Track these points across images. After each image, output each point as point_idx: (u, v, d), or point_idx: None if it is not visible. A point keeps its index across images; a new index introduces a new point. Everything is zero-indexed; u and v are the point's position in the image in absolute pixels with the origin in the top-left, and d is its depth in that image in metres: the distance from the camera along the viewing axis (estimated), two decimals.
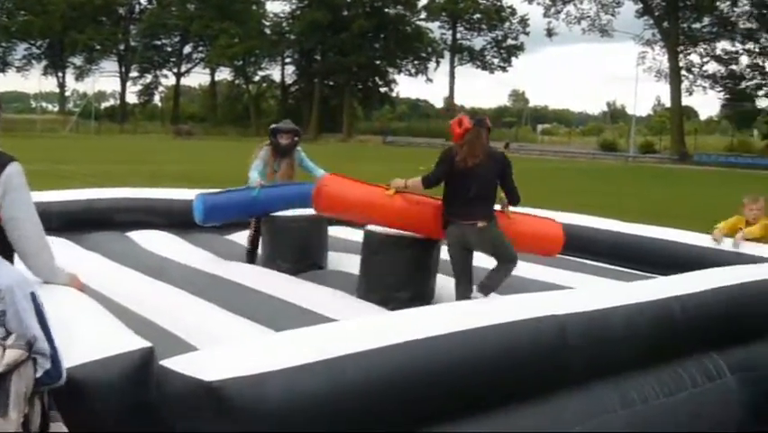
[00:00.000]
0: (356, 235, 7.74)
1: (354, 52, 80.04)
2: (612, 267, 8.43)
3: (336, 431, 3.39)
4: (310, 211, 8.10)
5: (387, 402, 3.55)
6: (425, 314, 4.25)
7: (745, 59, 65.40)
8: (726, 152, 65.03)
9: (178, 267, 7.90)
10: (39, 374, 3.05)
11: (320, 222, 8.16)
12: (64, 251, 8.00)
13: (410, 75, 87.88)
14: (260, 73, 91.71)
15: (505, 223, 6.70)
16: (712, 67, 66.94)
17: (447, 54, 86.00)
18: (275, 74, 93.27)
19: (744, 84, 65.59)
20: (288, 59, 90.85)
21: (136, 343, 3.60)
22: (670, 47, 64.71)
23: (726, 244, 7.50)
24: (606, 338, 4.50)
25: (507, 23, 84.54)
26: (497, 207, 6.72)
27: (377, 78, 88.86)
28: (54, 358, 3.13)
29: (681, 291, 5.08)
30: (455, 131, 6.62)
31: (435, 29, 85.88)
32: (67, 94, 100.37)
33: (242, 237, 9.35)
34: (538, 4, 74.08)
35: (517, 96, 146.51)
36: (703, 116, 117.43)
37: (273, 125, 8.78)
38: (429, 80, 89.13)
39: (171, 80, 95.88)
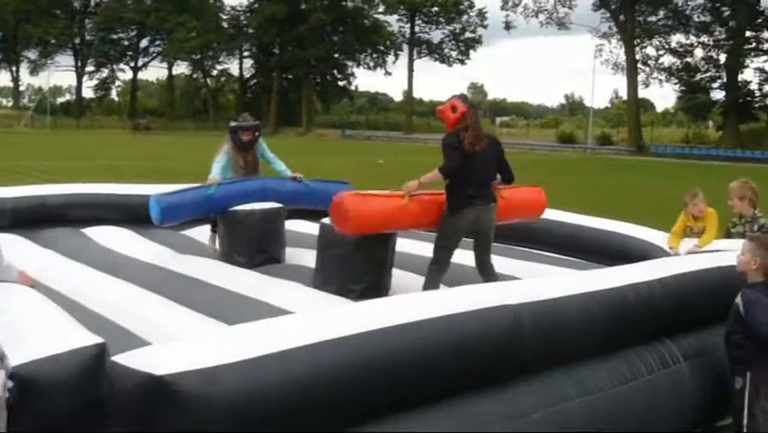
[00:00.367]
0: (313, 229, 7.72)
1: (313, 46, 79.74)
2: (567, 258, 8.48)
3: (289, 424, 3.39)
4: (267, 205, 8.10)
5: (340, 395, 3.55)
6: (380, 306, 4.25)
7: (699, 52, 66.15)
8: (682, 143, 65.91)
9: (133, 262, 7.83)
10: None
11: (277, 216, 8.14)
12: (17, 247, 7.94)
13: (369, 68, 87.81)
14: (219, 67, 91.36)
15: (500, 200, 6.91)
16: (668, 60, 67.65)
17: (406, 47, 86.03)
18: (233, 68, 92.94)
19: (699, 76, 66.24)
20: (246, 53, 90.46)
21: (88, 339, 3.57)
22: (626, 40, 65.23)
23: (683, 249, 7.31)
24: (560, 327, 4.53)
25: (465, 16, 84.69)
26: None
27: (335, 72, 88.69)
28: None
29: (636, 279, 5.13)
30: (448, 117, 6.65)
31: (394, 22, 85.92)
32: (21, 89, 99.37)
33: (198, 233, 9.30)
34: None
35: (476, 89, 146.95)
36: (660, 108, 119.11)
37: (234, 123, 8.65)
38: (388, 74, 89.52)
39: (128, 75, 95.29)
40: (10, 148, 36.74)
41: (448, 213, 6.67)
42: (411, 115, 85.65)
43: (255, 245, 7.91)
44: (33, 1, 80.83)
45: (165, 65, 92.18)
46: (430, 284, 6.60)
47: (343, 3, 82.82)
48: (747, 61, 62.76)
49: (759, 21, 61.68)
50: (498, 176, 6.88)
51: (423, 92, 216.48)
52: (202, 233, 9.07)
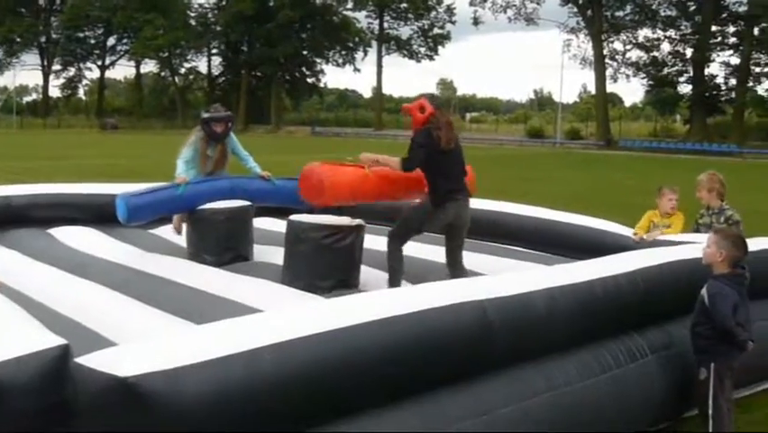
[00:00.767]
0: (281, 226, 7.69)
1: (281, 43, 79.41)
2: (534, 252, 8.50)
3: (257, 424, 3.37)
4: (235, 203, 8.05)
5: (309, 393, 3.53)
6: (349, 302, 4.24)
7: (666, 47, 66.57)
8: (650, 137, 66.40)
9: (99, 262, 7.75)
10: None
11: (245, 214, 8.09)
12: None
13: (338, 65, 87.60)
14: (187, 65, 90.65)
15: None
16: (635, 54, 68.00)
17: (374, 44, 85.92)
18: (201, 66, 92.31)
19: (666, 71, 66.71)
20: (214, 51, 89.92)
21: (51, 340, 3.52)
22: (594, 35, 65.56)
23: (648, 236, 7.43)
24: (529, 321, 4.55)
25: (433, 12, 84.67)
26: None
27: (304, 69, 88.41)
28: None
29: (603, 273, 5.15)
30: (416, 116, 6.66)
31: (362, 18, 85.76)
32: None
33: (166, 231, 9.23)
34: None
35: (445, 85, 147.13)
36: (628, 103, 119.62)
37: (206, 114, 8.41)
38: (357, 70, 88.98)
39: (96, 73, 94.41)
40: None
41: (431, 207, 6.73)
42: (381, 112, 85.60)
43: (223, 243, 7.86)
44: None
45: (133, 63, 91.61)
46: (394, 260, 6.77)
47: None
48: (713, 56, 63.39)
49: (724, 15, 62.24)
50: None
51: (392, 88, 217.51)
52: (170, 231, 9.00)
